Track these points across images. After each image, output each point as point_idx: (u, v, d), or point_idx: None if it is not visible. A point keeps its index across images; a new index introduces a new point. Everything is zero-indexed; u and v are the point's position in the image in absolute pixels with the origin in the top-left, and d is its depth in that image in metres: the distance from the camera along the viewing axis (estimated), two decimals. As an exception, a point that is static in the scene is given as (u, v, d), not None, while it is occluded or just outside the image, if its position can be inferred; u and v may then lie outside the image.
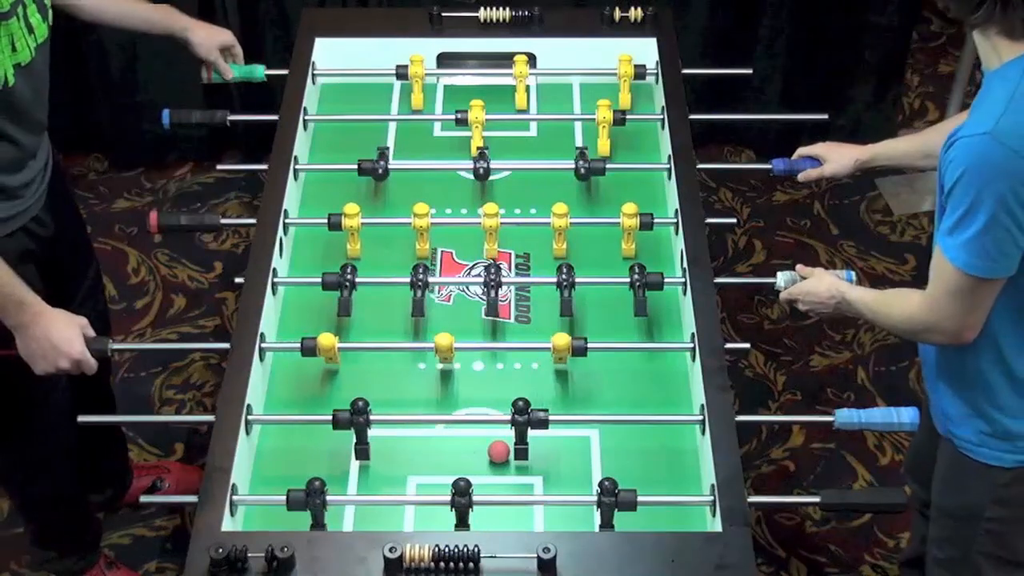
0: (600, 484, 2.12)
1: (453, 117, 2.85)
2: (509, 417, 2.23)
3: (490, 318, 2.51)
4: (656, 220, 2.61)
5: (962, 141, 2.03)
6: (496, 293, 2.49)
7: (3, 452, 2.81)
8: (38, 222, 2.56)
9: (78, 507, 2.99)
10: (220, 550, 2.00)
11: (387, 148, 2.84)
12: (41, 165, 2.56)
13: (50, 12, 2.45)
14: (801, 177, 2.73)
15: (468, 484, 2.10)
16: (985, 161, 2.00)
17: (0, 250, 2.42)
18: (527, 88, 2.98)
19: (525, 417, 2.23)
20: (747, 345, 2.84)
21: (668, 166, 2.77)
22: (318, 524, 2.12)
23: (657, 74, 2.99)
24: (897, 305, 2.28)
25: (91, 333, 2.43)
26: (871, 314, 2.33)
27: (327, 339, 2.37)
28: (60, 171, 2.72)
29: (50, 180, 2.60)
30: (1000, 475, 2.31)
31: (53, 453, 2.80)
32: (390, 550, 1.99)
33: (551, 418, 2.24)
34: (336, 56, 3.06)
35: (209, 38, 2.91)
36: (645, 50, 3.02)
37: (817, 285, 2.41)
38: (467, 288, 2.60)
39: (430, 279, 2.52)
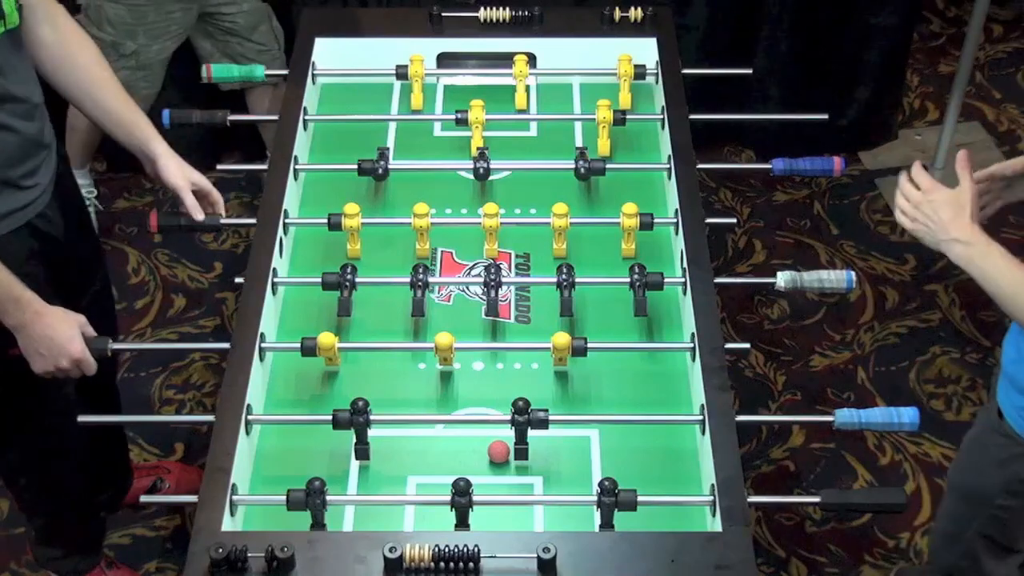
0: (600, 484, 2.12)
1: (453, 117, 2.85)
2: (509, 417, 2.23)
3: (490, 318, 2.51)
4: (656, 220, 2.61)
5: None
6: (496, 293, 2.49)
7: (11, 448, 2.80)
8: (44, 219, 2.50)
9: (85, 505, 2.98)
10: (220, 550, 2.00)
11: (387, 148, 2.84)
12: (44, 154, 2.48)
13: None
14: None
15: (468, 484, 2.10)
16: None
17: (4, 249, 2.38)
18: (527, 88, 2.97)
19: (525, 417, 2.22)
20: (747, 345, 2.84)
21: (668, 166, 2.77)
22: (318, 524, 2.12)
23: (657, 74, 2.99)
24: None
25: (91, 332, 2.42)
26: (996, 285, 2.06)
27: (327, 339, 2.37)
28: (68, 170, 2.67)
29: (57, 174, 2.54)
30: (1021, 467, 2.32)
31: (60, 450, 2.79)
32: (390, 550, 1.99)
33: (551, 418, 2.24)
34: (336, 56, 3.06)
35: (180, 170, 2.59)
36: (645, 50, 3.02)
37: (956, 202, 2.06)
38: (467, 288, 2.60)
39: (430, 279, 2.51)
